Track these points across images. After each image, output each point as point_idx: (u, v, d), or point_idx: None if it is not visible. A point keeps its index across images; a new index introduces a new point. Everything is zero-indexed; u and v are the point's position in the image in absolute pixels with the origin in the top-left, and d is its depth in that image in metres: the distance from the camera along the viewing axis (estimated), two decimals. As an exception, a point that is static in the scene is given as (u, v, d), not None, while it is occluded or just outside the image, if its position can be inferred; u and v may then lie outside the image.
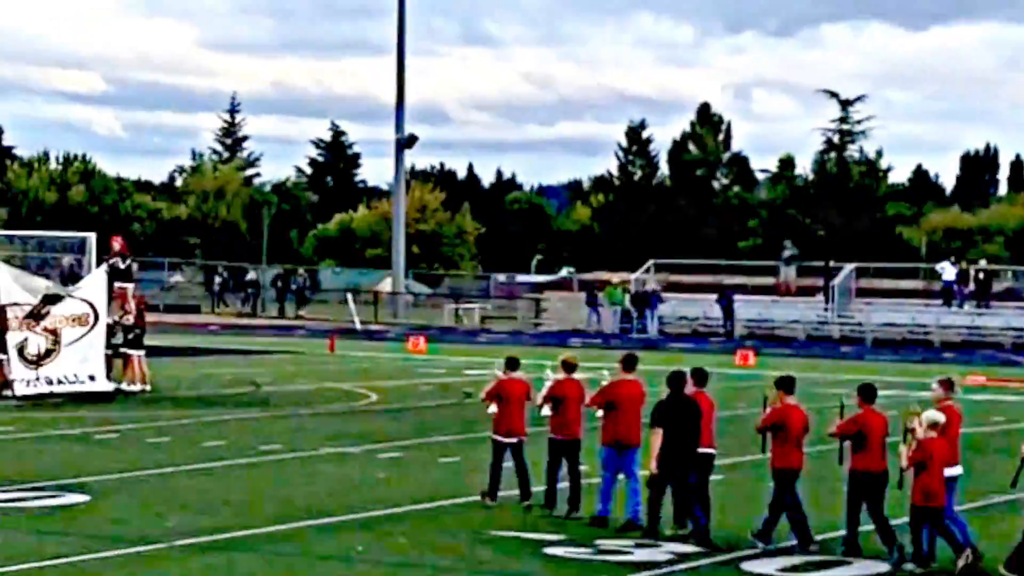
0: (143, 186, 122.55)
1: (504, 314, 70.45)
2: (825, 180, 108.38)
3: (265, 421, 28.16)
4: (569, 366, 18.33)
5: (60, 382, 30.69)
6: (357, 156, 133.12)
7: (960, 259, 64.63)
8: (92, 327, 31.19)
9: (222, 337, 54.38)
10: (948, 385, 16.16)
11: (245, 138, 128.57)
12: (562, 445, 18.10)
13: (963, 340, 56.25)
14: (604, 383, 18.28)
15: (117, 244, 33.45)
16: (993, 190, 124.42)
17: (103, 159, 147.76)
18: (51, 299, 31.20)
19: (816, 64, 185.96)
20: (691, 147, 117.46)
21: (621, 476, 17.48)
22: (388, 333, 59.18)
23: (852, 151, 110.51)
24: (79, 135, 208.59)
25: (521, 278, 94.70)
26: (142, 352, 32.70)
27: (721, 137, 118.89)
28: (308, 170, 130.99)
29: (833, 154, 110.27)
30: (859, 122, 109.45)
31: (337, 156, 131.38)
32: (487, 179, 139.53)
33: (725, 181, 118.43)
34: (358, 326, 62.11)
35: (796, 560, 15.74)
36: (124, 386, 32.05)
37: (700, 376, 17.36)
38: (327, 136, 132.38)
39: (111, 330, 31.98)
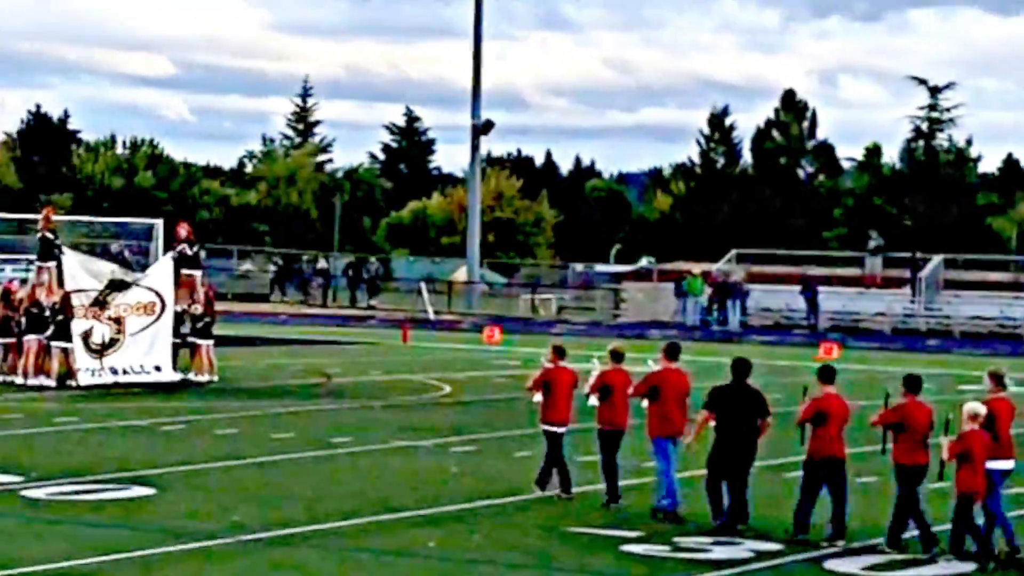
0: (212, 172, 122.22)
1: (582, 305, 69.68)
2: (913, 169, 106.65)
3: (335, 413, 27.74)
4: (617, 355, 18.19)
5: (125, 372, 30.53)
6: (432, 142, 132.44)
7: (1052, 251, 63.13)
8: (159, 316, 30.99)
9: (292, 327, 53.86)
10: (997, 378, 15.94)
11: (317, 123, 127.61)
12: (610, 436, 17.97)
13: (1054, 334, 54.94)
14: (649, 372, 18.00)
15: (183, 231, 32.87)
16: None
17: (171, 144, 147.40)
18: (116, 285, 30.91)
19: (903, 50, 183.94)
20: (775, 134, 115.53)
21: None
22: (462, 323, 58.54)
23: (941, 139, 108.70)
24: (146, 119, 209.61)
25: (599, 268, 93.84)
26: (210, 341, 32.26)
27: (806, 124, 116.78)
28: (381, 156, 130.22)
29: (921, 142, 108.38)
30: (948, 110, 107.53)
31: (411, 142, 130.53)
32: (565, 166, 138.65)
33: (810, 169, 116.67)
34: (431, 316, 61.17)
35: (879, 559, 15.42)
36: (192, 376, 31.67)
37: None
38: (401, 121, 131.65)
39: (179, 319, 31.60)
